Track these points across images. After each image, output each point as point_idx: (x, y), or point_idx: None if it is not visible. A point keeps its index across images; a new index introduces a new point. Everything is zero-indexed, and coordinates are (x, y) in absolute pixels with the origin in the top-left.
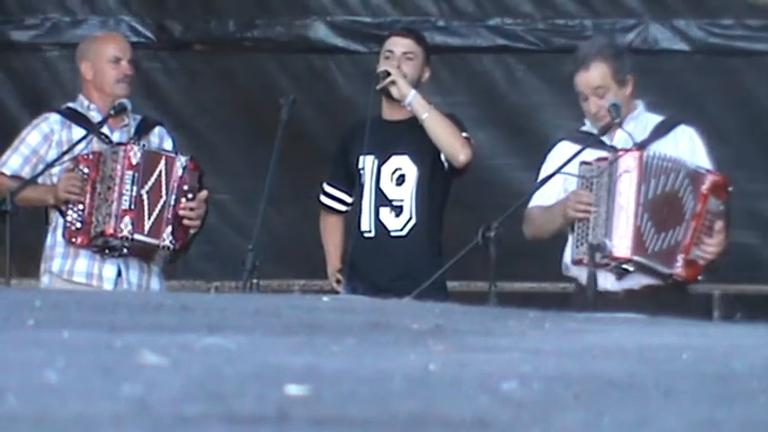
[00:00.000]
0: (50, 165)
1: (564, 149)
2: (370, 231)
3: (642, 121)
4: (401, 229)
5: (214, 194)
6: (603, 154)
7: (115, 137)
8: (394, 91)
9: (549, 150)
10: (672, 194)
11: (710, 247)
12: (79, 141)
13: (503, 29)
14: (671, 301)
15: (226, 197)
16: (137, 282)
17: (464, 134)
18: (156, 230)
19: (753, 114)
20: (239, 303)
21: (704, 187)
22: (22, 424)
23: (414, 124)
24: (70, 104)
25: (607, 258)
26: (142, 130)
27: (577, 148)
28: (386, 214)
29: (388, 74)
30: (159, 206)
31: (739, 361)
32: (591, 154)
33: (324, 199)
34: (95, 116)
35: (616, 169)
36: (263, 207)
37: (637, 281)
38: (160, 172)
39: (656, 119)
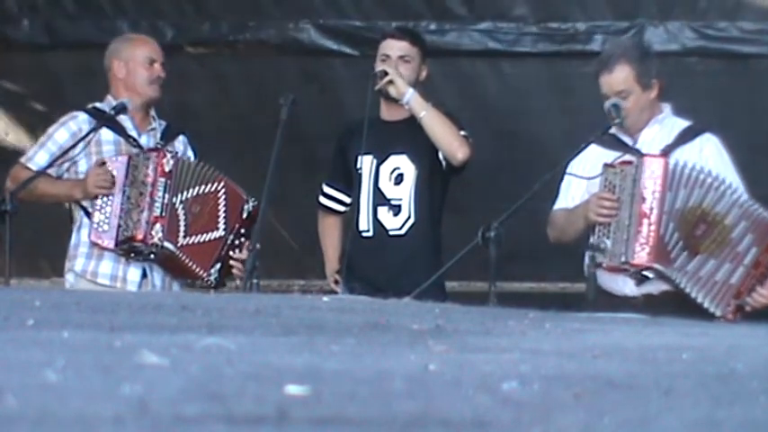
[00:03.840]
0: (58, 158)
1: (592, 152)
2: (368, 231)
3: (667, 125)
4: (400, 228)
5: None
6: (627, 156)
7: (143, 140)
8: (392, 90)
9: (578, 153)
10: (712, 216)
11: (762, 298)
12: (90, 132)
13: (495, 32)
14: (689, 305)
15: None
16: (160, 285)
17: (462, 132)
18: (204, 261)
19: (748, 117)
20: (239, 303)
21: None
22: (22, 424)
23: (412, 124)
24: (97, 104)
25: (626, 265)
26: (167, 137)
27: (606, 151)
28: (384, 213)
29: (386, 73)
30: (212, 236)
31: (739, 361)
32: (616, 155)
33: (323, 199)
34: (123, 118)
35: (640, 174)
36: (263, 207)
37: (656, 286)
38: (217, 199)
39: (682, 123)
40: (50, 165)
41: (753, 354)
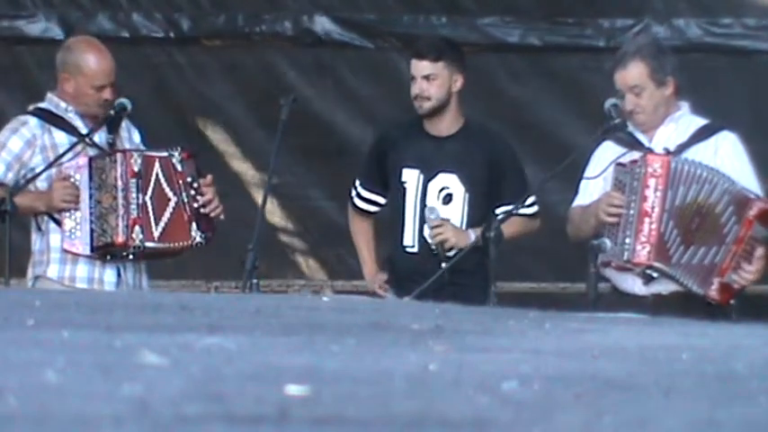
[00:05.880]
0: (44, 170)
1: (606, 149)
2: (413, 246)
3: (684, 123)
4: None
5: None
6: (634, 155)
7: (96, 138)
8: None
9: (594, 150)
10: (706, 207)
11: (748, 274)
12: (71, 148)
13: (503, 26)
14: (699, 306)
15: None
16: (132, 282)
17: (532, 208)
18: (183, 233)
19: (752, 112)
20: (239, 303)
21: (751, 213)
22: (22, 424)
23: (461, 140)
24: (41, 105)
25: (629, 263)
26: (113, 126)
27: (621, 149)
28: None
29: (443, 242)
30: (170, 209)
31: (739, 361)
32: (629, 155)
33: (358, 202)
34: (73, 118)
35: (643, 173)
36: (263, 207)
37: (665, 286)
38: (157, 175)
39: (699, 122)
40: (31, 181)
41: (753, 354)
